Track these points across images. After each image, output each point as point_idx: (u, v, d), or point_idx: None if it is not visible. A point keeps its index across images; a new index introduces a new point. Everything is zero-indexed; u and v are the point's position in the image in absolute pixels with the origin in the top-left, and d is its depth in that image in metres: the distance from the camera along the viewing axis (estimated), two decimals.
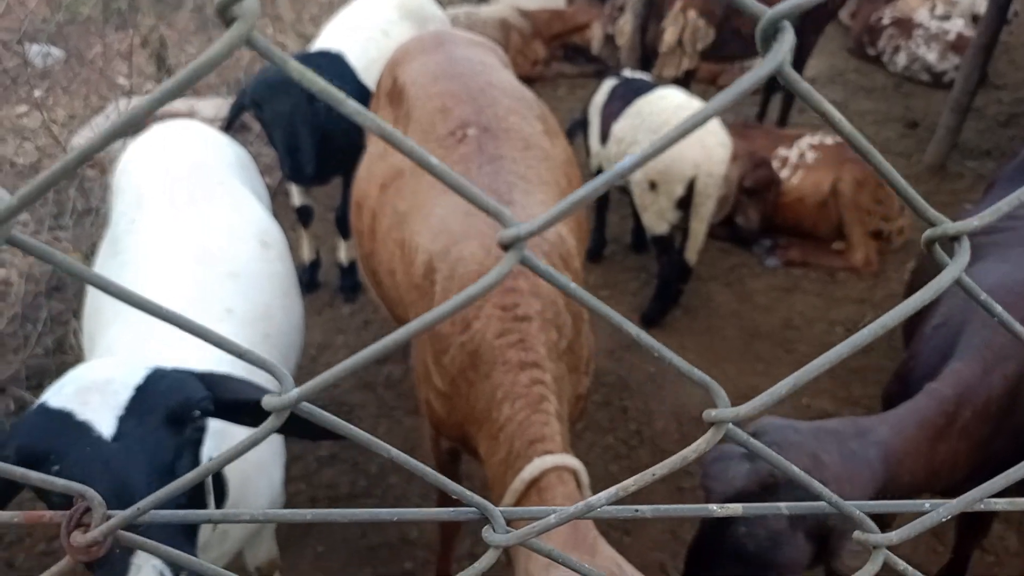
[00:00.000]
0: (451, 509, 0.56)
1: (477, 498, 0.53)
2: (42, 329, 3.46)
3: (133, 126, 0.37)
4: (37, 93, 4.26)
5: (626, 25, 5.42)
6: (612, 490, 0.51)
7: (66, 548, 0.49)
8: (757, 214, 4.40)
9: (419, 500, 2.97)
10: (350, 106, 0.38)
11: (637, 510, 0.57)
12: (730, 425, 0.52)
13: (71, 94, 4.76)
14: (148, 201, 2.22)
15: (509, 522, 0.56)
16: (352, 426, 0.51)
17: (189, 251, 2.05)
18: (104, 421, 1.19)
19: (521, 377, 1.74)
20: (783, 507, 0.60)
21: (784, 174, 4.51)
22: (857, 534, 0.59)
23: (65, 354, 3.42)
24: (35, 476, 0.50)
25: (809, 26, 5.07)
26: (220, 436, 1.51)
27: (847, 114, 5.09)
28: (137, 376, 1.27)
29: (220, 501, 1.57)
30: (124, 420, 1.20)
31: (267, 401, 0.44)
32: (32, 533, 2.77)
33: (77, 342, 3.34)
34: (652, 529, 2.85)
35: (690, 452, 0.51)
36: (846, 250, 4.43)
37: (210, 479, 1.48)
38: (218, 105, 5.11)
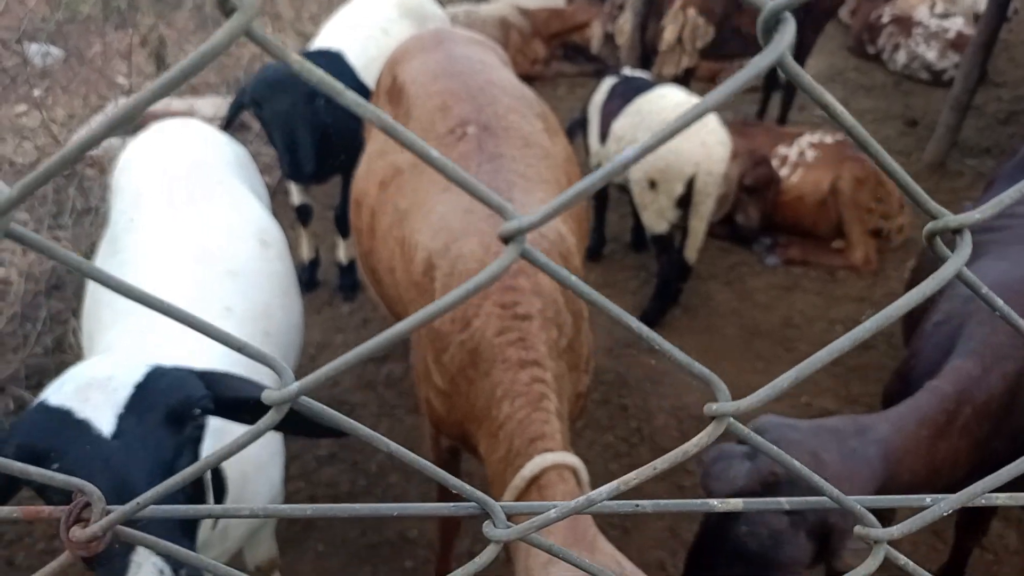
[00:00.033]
0: (452, 504, 0.55)
1: (477, 493, 0.53)
2: (41, 328, 3.46)
3: (133, 117, 0.36)
4: (36, 92, 4.26)
5: (626, 24, 5.42)
6: (613, 484, 0.51)
7: (65, 543, 0.49)
8: (757, 212, 4.40)
9: (419, 499, 2.96)
10: (349, 97, 0.38)
11: (638, 504, 0.57)
12: (731, 419, 0.51)
13: (70, 93, 4.76)
14: (147, 200, 2.22)
15: (509, 517, 0.56)
16: (352, 420, 0.50)
17: (188, 250, 2.05)
18: (104, 419, 1.19)
19: (521, 375, 1.74)
20: (784, 502, 0.60)
21: (784, 172, 4.51)
22: (858, 528, 0.59)
23: (64, 353, 3.42)
24: (35, 471, 0.50)
25: (809, 24, 5.07)
26: (220, 435, 1.51)
27: None
28: (137, 374, 1.27)
29: (219, 500, 1.57)
30: (124, 418, 1.20)
31: (267, 395, 0.44)
32: (32, 532, 2.77)
33: (76, 341, 3.34)
34: (652, 527, 2.85)
35: (691, 446, 0.50)
36: (846, 248, 4.43)
37: (209, 477, 1.48)
38: (217, 104, 5.11)
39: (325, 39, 3.89)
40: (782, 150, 4.59)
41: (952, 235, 0.53)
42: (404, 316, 2.23)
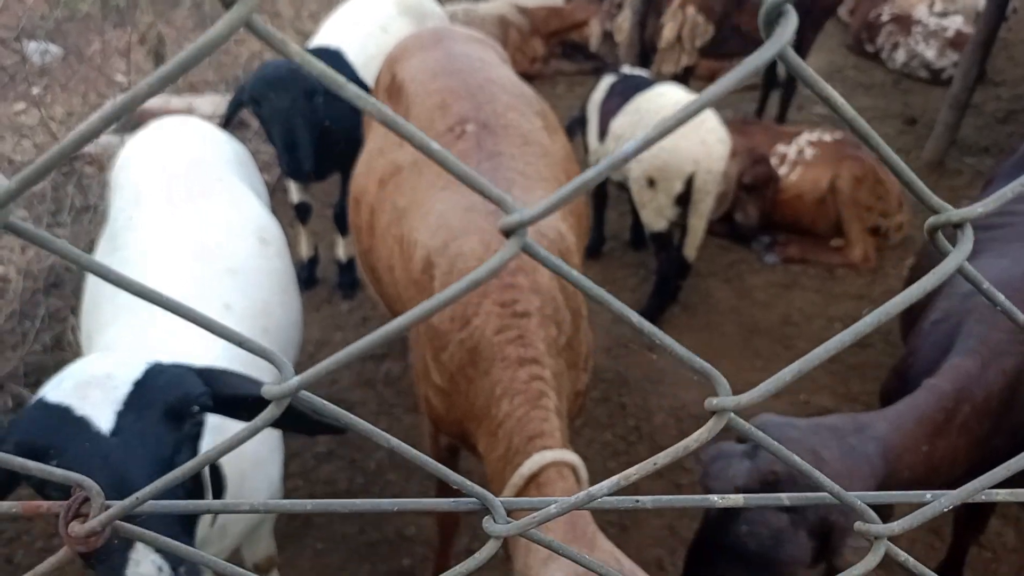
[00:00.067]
0: (452, 499, 0.55)
1: (477, 488, 0.53)
2: (40, 326, 3.46)
3: (131, 110, 0.36)
4: (35, 90, 4.25)
5: (625, 21, 5.41)
6: (614, 479, 0.51)
7: (64, 538, 0.48)
8: (756, 211, 4.40)
9: (418, 496, 2.96)
10: (351, 90, 0.38)
11: (638, 500, 0.57)
12: (731, 414, 0.51)
13: (69, 91, 4.75)
14: (146, 198, 2.21)
15: (509, 513, 0.56)
16: (351, 415, 0.50)
17: (187, 247, 2.04)
18: (103, 416, 1.19)
19: (520, 373, 1.74)
20: (784, 498, 0.60)
21: (783, 171, 4.51)
22: (859, 524, 0.59)
23: (63, 351, 3.41)
24: (34, 466, 0.50)
25: (808, 22, 5.07)
26: (218, 432, 1.51)
27: None
28: (136, 371, 1.27)
29: (218, 497, 1.57)
30: (123, 415, 1.20)
31: (267, 390, 0.44)
32: (31, 529, 2.77)
33: (75, 339, 3.34)
34: (650, 525, 2.85)
35: (692, 441, 0.50)
36: (844, 246, 4.44)
37: (207, 474, 1.48)
38: (216, 102, 5.10)
39: (324, 37, 3.89)
40: (781, 148, 4.59)
41: (953, 230, 0.53)
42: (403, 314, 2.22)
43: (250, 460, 1.75)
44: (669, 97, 3.66)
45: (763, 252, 4.48)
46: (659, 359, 3.69)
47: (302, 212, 3.97)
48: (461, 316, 1.82)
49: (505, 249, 0.43)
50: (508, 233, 0.43)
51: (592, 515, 1.56)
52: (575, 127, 4.16)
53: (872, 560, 0.57)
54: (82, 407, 1.19)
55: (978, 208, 0.51)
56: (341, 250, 4.08)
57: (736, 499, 0.57)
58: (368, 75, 3.61)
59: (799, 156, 4.53)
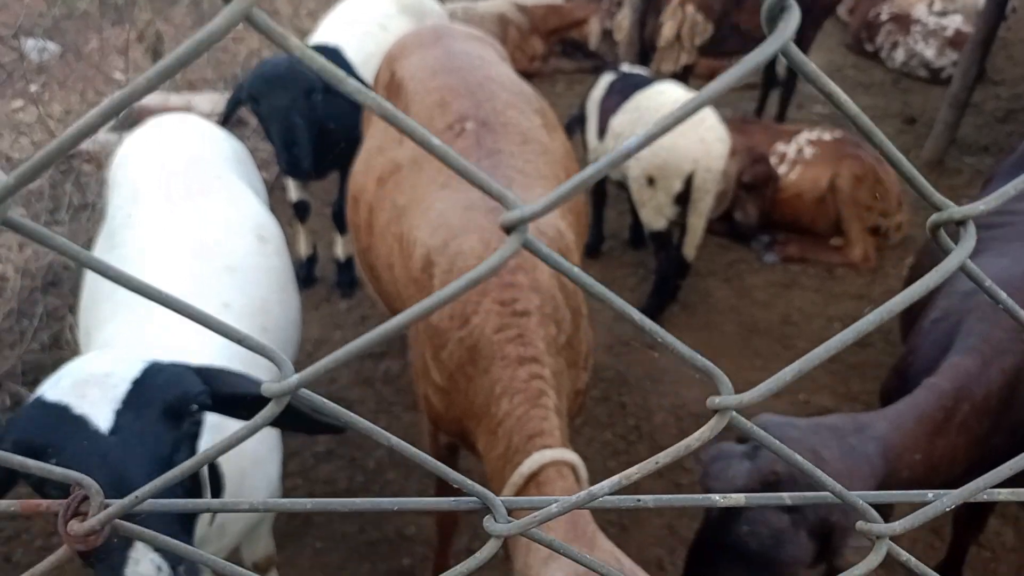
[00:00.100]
0: (452, 498, 0.55)
1: (478, 487, 0.53)
2: (38, 324, 3.45)
3: (129, 105, 0.36)
4: (33, 88, 4.24)
5: (624, 20, 5.41)
6: (615, 478, 0.51)
7: (63, 537, 0.48)
8: (755, 210, 4.40)
9: (417, 495, 2.96)
10: (351, 85, 0.38)
11: (639, 499, 0.56)
12: (733, 413, 0.51)
13: (67, 89, 4.74)
14: (144, 195, 2.21)
15: (509, 512, 0.56)
16: (351, 413, 0.50)
17: (186, 245, 2.04)
18: (101, 415, 1.18)
19: (520, 372, 1.74)
20: (786, 497, 0.60)
21: (782, 170, 4.51)
22: (860, 524, 0.58)
23: (61, 349, 3.41)
24: (33, 464, 0.49)
25: (808, 21, 5.07)
26: (217, 430, 1.51)
27: None
28: (134, 370, 1.26)
29: (216, 496, 1.56)
30: (121, 414, 1.20)
31: (266, 387, 0.44)
32: (30, 528, 2.76)
33: (73, 337, 3.33)
34: (650, 525, 2.85)
35: (693, 440, 0.50)
36: (844, 246, 4.44)
37: (206, 473, 1.48)
38: (214, 100, 5.09)
39: (323, 35, 3.88)
40: (781, 147, 4.59)
41: (956, 227, 0.53)
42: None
43: (249, 459, 1.75)
44: (668, 95, 3.65)
45: (762, 251, 4.48)
46: (660, 357, 3.69)
47: (301, 210, 3.96)
48: (461, 314, 1.82)
49: (506, 245, 0.43)
50: (509, 229, 0.43)
51: (592, 514, 1.55)
52: (574, 125, 4.16)
53: (874, 560, 0.57)
54: (80, 405, 1.19)
55: (980, 206, 0.51)
56: (340, 248, 4.08)
57: (738, 499, 0.57)
58: (367, 73, 3.60)
59: (799, 155, 4.53)
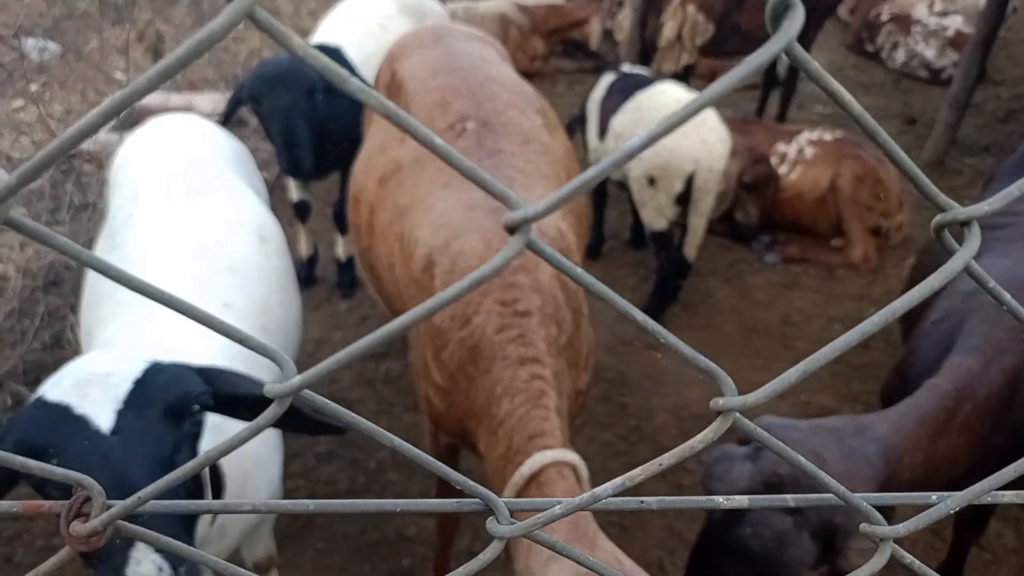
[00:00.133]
0: (455, 500, 0.55)
1: (481, 488, 0.53)
2: (39, 324, 3.45)
3: (131, 104, 0.36)
4: (33, 87, 4.24)
5: (625, 20, 5.41)
6: (618, 480, 0.50)
7: (65, 538, 0.48)
8: (756, 210, 4.40)
9: (419, 495, 2.96)
10: (354, 84, 0.38)
11: (642, 501, 0.56)
12: (737, 414, 0.51)
13: (67, 88, 4.74)
14: (145, 195, 2.21)
15: (512, 513, 0.56)
16: (353, 414, 0.50)
17: (186, 245, 2.04)
18: (103, 415, 1.18)
19: (521, 372, 1.74)
20: (790, 499, 0.60)
21: (783, 170, 4.50)
22: (864, 526, 0.58)
23: (63, 349, 3.41)
24: (35, 465, 0.49)
25: (810, 22, 5.06)
26: (218, 431, 1.51)
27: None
28: (136, 370, 1.26)
29: (217, 497, 1.56)
30: (123, 414, 1.20)
31: (269, 388, 0.44)
32: (31, 528, 2.76)
33: (74, 337, 3.33)
34: (650, 526, 2.84)
35: (697, 442, 0.50)
36: (845, 246, 4.43)
37: (208, 474, 1.48)
38: (215, 100, 5.09)
39: (323, 34, 3.88)
40: (781, 147, 4.59)
41: (960, 228, 0.53)
42: (403, 313, 2.22)
43: (251, 459, 1.75)
44: (669, 95, 3.65)
45: (763, 251, 4.48)
46: (661, 358, 3.69)
47: (301, 210, 3.96)
48: (462, 315, 1.82)
49: (509, 246, 0.43)
50: (512, 230, 0.43)
51: (593, 515, 1.55)
52: (575, 125, 4.16)
53: (878, 562, 0.57)
54: (82, 405, 1.18)
55: (985, 207, 0.50)
56: (340, 249, 4.07)
57: (741, 500, 0.56)
58: (367, 73, 3.60)
59: (799, 155, 4.53)
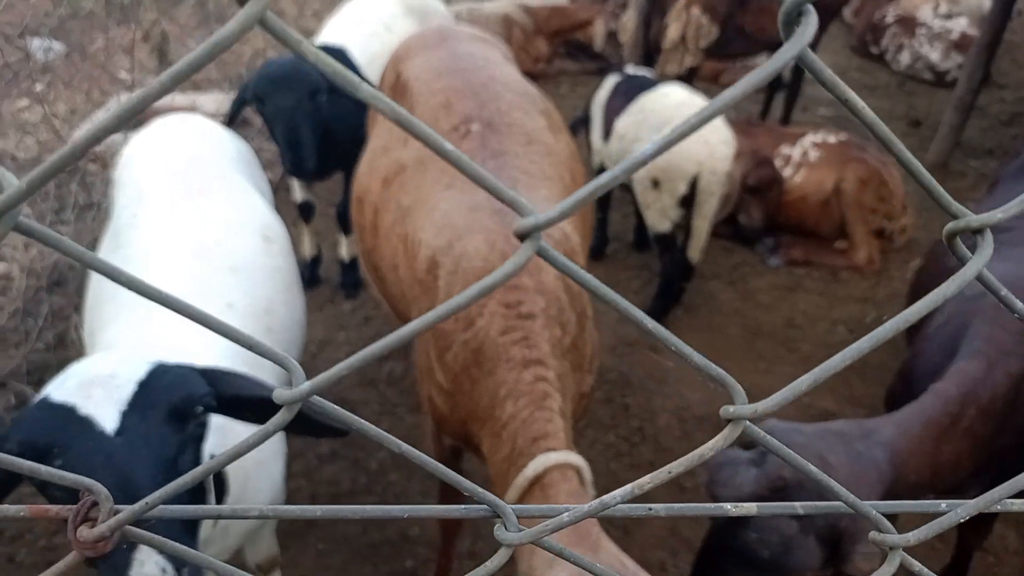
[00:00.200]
0: (463, 507, 0.55)
1: (489, 495, 0.52)
2: (43, 324, 3.46)
3: (142, 110, 0.36)
4: (38, 87, 4.25)
5: (629, 21, 5.41)
6: (627, 488, 0.50)
7: (72, 543, 0.48)
8: (760, 212, 4.39)
9: (420, 496, 2.96)
10: (366, 90, 0.37)
11: (651, 508, 0.56)
12: (747, 422, 0.51)
13: (72, 88, 4.75)
14: (149, 195, 2.21)
15: (519, 519, 0.55)
16: (361, 420, 0.50)
17: (190, 245, 2.04)
18: (107, 416, 1.18)
19: (525, 374, 1.73)
20: (798, 507, 0.59)
21: (787, 172, 4.50)
22: (874, 534, 0.58)
23: (66, 349, 3.41)
24: (44, 470, 0.49)
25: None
26: (222, 432, 1.51)
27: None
28: (140, 371, 1.26)
29: (220, 498, 1.56)
30: (127, 415, 1.20)
31: (278, 395, 0.43)
32: (34, 528, 2.76)
33: (78, 337, 3.33)
34: (652, 527, 2.84)
35: (707, 449, 0.50)
36: (849, 249, 4.42)
37: (210, 476, 1.48)
38: (219, 100, 5.10)
39: (328, 35, 3.88)
40: (785, 150, 4.58)
41: (972, 235, 0.53)
42: (407, 314, 2.22)
43: (253, 461, 1.75)
44: (673, 97, 3.65)
45: (767, 254, 4.47)
46: (667, 358, 3.68)
47: (305, 211, 3.96)
48: (465, 316, 1.81)
49: (520, 253, 0.42)
50: (522, 236, 0.43)
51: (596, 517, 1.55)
52: (578, 126, 4.15)
53: (887, 571, 0.56)
54: (86, 406, 1.19)
55: (998, 214, 0.50)
56: (344, 249, 4.08)
57: (750, 508, 0.56)
58: (372, 74, 3.60)
59: (803, 158, 4.52)
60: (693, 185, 3.51)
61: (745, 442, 1.81)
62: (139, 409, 1.20)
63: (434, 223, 2.00)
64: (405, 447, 0.50)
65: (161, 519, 0.95)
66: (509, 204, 0.42)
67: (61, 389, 1.22)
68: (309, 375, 0.47)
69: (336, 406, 0.47)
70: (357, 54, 3.69)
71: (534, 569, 1.49)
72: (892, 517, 0.60)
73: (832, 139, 4.56)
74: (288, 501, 2.40)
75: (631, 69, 4.22)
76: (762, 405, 0.48)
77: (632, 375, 3.58)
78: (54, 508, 0.50)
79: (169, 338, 1.65)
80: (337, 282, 4.15)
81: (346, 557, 2.74)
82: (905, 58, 6.94)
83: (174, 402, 1.24)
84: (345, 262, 4.10)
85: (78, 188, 3.94)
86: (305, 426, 1.37)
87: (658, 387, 3.52)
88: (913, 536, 0.55)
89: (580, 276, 0.44)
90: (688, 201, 3.56)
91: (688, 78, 5.01)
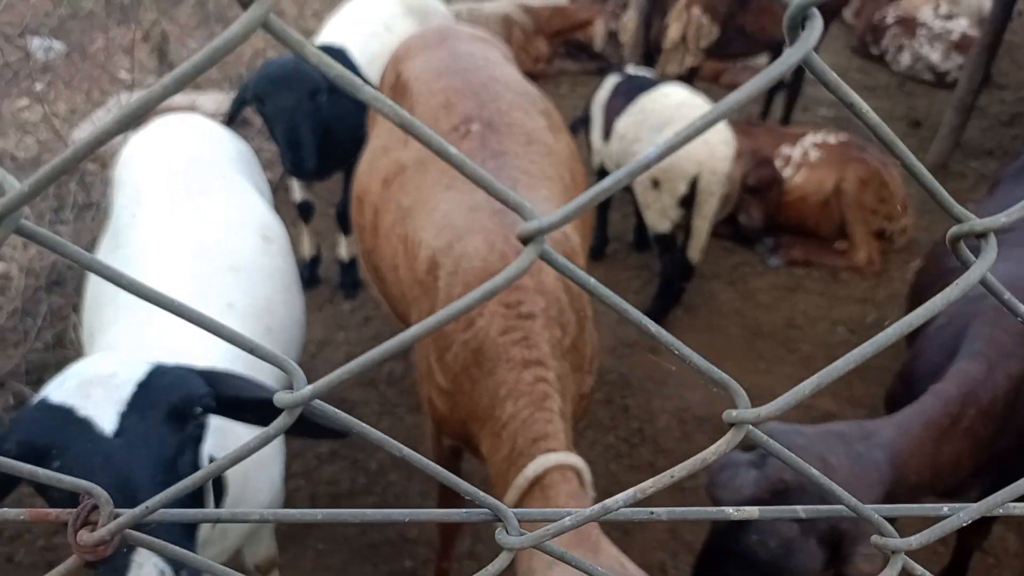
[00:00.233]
0: (464, 511, 0.54)
1: (491, 499, 0.52)
2: (42, 324, 3.45)
3: (145, 112, 0.35)
4: (38, 87, 4.24)
5: (629, 22, 5.41)
6: (630, 492, 0.50)
7: (73, 547, 0.48)
8: (760, 212, 4.39)
9: (419, 497, 2.96)
10: (368, 92, 0.37)
11: (652, 512, 0.56)
12: (750, 426, 0.50)
13: (72, 88, 4.74)
14: (149, 195, 2.21)
15: (520, 523, 0.55)
16: (362, 423, 0.49)
17: (190, 245, 2.04)
18: (106, 417, 1.18)
19: (525, 375, 1.73)
20: (800, 510, 0.59)
21: (787, 173, 4.50)
22: (876, 538, 0.58)
23: (65, 349, 3.41)
24: (43, 473, 0.49)
25: None
26: (221, 433, 1.50)
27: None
28: (139, 372, 1.26)
29: (219, 499, 1.56)
30: (126, 416, 1.19)
31: (280, 398, 0.43)
32: (32, 528, 2.76)
33: (77, 337, 3.33)
34: (653, 529, 2.84)
35: (710, 453, 0.49)
36: (849, 249, 4.42)
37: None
38: (219, 99, 5.10)
39: (328, 35, 3.88)
40: (785, 150, 4.58)
41: (975, 239, 0.52)
42: (407, 315, 2.22)
43: (252, 461, 1.74)
44: (673, 98, 3.64)
45: (767, 254, 4.47)
46: (667, 359, 3.68)
47: (305, 211, 3.96)
48: (465, 317, 1.81)
49: (523, 256, 0.42)
50: (525, 240, 0.42)
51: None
52: (579, 126, 4.15)
53: (889, 574, 0.56)
54: (85, 407, 1.18)
55: (1002, 218, 0.50)
56: (343, 249, 4.07)
57: (752, 512, 0.56)
58: (372, 74, 3.60)
59: (804, 158, 4.52)
60: (693, 185, 3.50)
61: (746, 444, 1.81)
62: (138, 410, 1.20)
63: (434, 224, 2.00)
64: (406, 451, 0.50)
65: (160, 522, 0.95)
66: (512, 207, 0.42)
67: (60, 389, 1.21)
68: (308, 375, 0.47)
69: (337, 410, 0.47)
70: (357, 54, 3.69)
71: (534, 570, 1.48)
72: (892, 519, 0.60)
73: (832, 139, 4.56)
74: (287, 501, 2.40)
75: (631, 69, 4.22)
76: (765, 409, 0.48)
77: (632, 376, 3.58)
78: (54, 512, 0.49)
79: (169, 340, 1.64)
80: (336, 282, 4.15)
81: (345, 557, 2.73)
82: (905, 59, 6.94)
83: (173, 403, 1.24)
84: (345, 262, 4.09)
85: (77, 188, 3.94)
86: (306, 429, 1.37)
87: (658, 388, 3.51)
88: (915, 540, 0.55)
89: (581, 279, 0.44)
90: (688, 201, 3.56)
91: (689, 78, 5.00)
